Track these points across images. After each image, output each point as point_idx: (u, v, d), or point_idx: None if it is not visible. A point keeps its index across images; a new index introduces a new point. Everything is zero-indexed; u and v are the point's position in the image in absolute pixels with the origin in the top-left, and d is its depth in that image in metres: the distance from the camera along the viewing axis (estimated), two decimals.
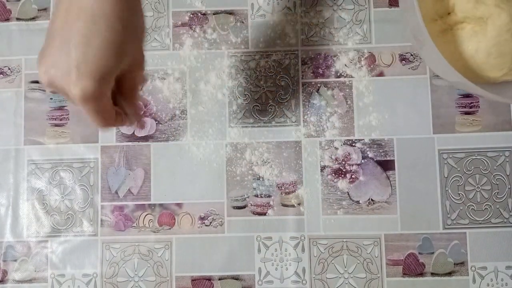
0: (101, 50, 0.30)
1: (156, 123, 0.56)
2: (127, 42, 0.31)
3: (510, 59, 0.49)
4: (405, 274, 0.54)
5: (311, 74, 0.56)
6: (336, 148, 0.55)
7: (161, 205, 0.56)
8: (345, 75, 0.56)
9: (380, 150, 0.55)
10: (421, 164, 0.55)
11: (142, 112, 0.53)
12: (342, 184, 0.55)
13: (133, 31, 0.32)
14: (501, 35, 0.48)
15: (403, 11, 0.53)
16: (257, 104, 0.56)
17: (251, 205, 0.55)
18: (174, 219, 0.55)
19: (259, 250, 0.55)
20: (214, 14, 0.57)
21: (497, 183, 0.54)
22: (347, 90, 0.56)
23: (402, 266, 0.54)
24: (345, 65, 0.56)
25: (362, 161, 0.55)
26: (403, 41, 0.56)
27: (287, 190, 0.55)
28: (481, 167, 0.55)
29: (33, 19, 0.58)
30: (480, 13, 0.48)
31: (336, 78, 0.56)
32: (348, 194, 0.55)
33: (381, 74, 0.56)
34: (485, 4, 0.48)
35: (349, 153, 0.55)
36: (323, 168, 0.55)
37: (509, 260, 0.53)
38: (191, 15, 0.58)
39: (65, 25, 0.30)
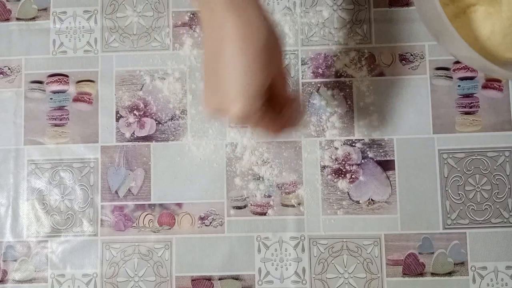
0: (254, 79, 0.34)
1: (156, 123, 0.56)
2: (271, 65, 0.35)
3: None
4: (405, 274, 0.54)
5: (311, 74, 0.56)
6: (336, 148, 0.55)
7: (161, 205, 0.56)
8: (345, 75, 0.56)
9: (380, 150, 0.55)
10: (421, 164, 0.55)
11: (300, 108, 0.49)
12: (342, 184, 0.55)
13: (274, 54, 0.36)
14: None
15: (417, 8, 0.52)
16: None
17: (251, 205, 0.55)
18: (174, 219, 0.55)
19: (259, 250, 0.55)
20: None
21: (497, 183, 0.54)
22: (347, 90, 0.56)
23: (402, 266, 0.54)
24: (345, 65, 0.56)
25: (362, 161, 0.55)
26: (403, 41, 0.56)
27: (287, 190, 0.55)
28: (481, 167, 0.55)
29: (33, 19, 0.58)
30: None
31: (336, 78, 0.56)
32: (348, 194, 0.55)
33: (381, 74, 0.56)
34: None
35: (349, 153, 0.55)
36: (323, 168, 0.55)
37: (509, 260, 0.53)
38: (191, 15, 0.58)
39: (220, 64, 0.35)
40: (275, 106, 0.39)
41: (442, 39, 0.50)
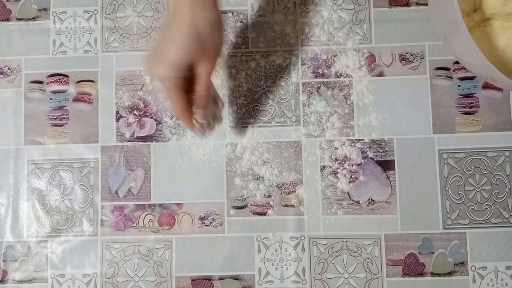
0: (179, 52, 0.42)
1: (156, 123, 0.56)
2: (198, 50, 0.42)
3: None
4: (405, 274, 0.54)
5: (311, 74, 0.56)
6: (336, 148, 0.55)
7: (161, 205, 0.56)
8: (345, 75, 0.56)
9: (380, 150, 0.55)
10: (421, 164, 0.55)
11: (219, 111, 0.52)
12: (342, 184, 0.55)
13: (205, 45, 0.42)
14: None
15: (432, 6, 0.52)
16: (257, 104, 0.56)
17: (251, 205, 0.55)
18: (174, 219, 0.55)
19: (259, 250, 0.55)
20: None
21: (497, 183, 0.54)
22: (347, 90, 0.56)
23: (402, 266, 0.54)
24: (345, 65, 0.56)
25: (362, 161, 0.55)
26: (403, 41, 0.56)
27: (287, 190, 0.55)
28: (481, 167, 0.55)
29: (33, 19, 0.58)
30: (509, 9, 0.49)
31: (336, 78, 0.56)
32: (348, 194, 0.55)
33: (381, 74, 0.56)
34: None
35: (349, 153, 0.55)
36: (323, 168, 0.55)
37: (509, 260, 0.53)
38: None
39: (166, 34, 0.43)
40: (190, 89, 0.45)
41: (454, 44, 0.50)
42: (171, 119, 0.56)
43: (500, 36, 0.50)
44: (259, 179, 0.55)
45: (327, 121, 0.56)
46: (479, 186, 0.54)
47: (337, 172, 0.55)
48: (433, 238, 0.54)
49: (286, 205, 0.55)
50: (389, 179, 0.55)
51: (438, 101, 0.55)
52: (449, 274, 0.53)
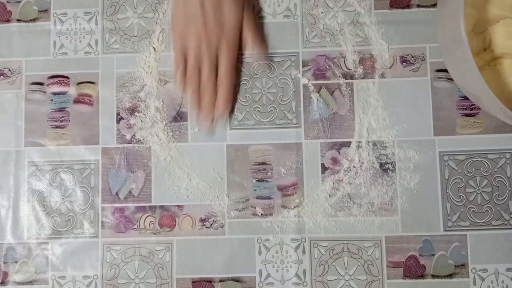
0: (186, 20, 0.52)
1: (157, 124, 0.56)
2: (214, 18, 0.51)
3: None
4: (405, 276, 0.54)
5: (312, 76, 0.56)
6: (337, 150, 0.55)
7: (161, 207, 0.56)
8: (346, 77, 0.56)
9: (381, 152, 0.55)
10: (422, 166, 0.55)
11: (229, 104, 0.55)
12: (343, 186, 0.55)
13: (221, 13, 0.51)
14: None
15: (443, 48, 0.53)
16: (258, 106, 0.56)
17: (252, 207, 0.55)
18: (175, 221, 0.55)
19: (259, 252, 0.55)
20: None
21: (498, 185, 0.54)
22: (348, 92, 0.56)
23: (402, 268, 0.54)
24: (346, 67, 0.56)
25: (363, 163, 0.55)
26: (404, 43, 0.56)
27: (287, 192, 0.55)
28: (481, 169, 0.55)
29: (33, 20, 0.58)
30: None
31: (337, 80, 0.56)
32: (349, 196, 0.55)
33: (382, 76, 0.56)
34: None
35: (350, 155, 0.55)
36: (323, 169, 0.55)
37: (509, 262, 0.53)
38: None
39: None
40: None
41: (465, 82, 0.51)
42: (171, 120, 0.56)
43: (511, 74, 0.49)
44: (260, 181, 0.55)
45: (327, 122, 0.56)
46: (479, 188, 0.54)
47: (338, 174, 0.55)
48: (434, 240, 0.54)
49: (287, 207, 0.55)
50: (389, 181, 0.55)
51: (439, 103, 0.55)
52: (450, 276, 0.53)
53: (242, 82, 0.57)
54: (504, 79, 0.50)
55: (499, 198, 0.54)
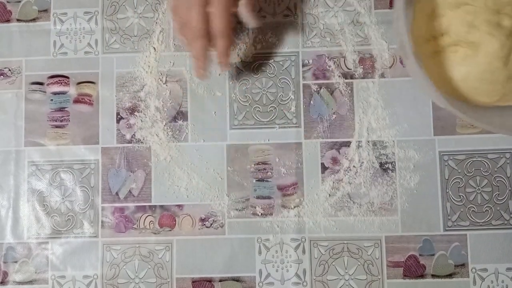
0: None
1: (157, 124, 0.56)
2: None
3: (501, 87, 0.48)
4: (405, 276, 0.54)
5: (312, 76, 0.56)
6: (337, 150, 0.55)
7: (161, 206, 0.56)
8: (345, 76, 0.56)
9: (381, 152, 0.55)
10: (422, 166, 0.55)
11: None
12: (343, 185, 0.55)
13: None
14: (492, 63, 0.47)
15: (394, 29, 0.53)
16: (258, 106, 0.56)
17: (252, 207, 0.55)
18: (175, 220, 0.55)
19: (259, 252, 0.55)
20: None
21: (498, 185, 0.54)
22: (348, 92, 0.56)
23: (402, 268, 0.54)
24: (346, 66, 0.56)
25: (363, 162, 0.55)
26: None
27: (287, 192, 0.55)
28: (481, 169, 0.55)
29: (33, 20, 0.58)
30: (472, 38, 0.47)
31: (337, 79, 0.56)
32: (349, 196, 0.55)
33: (382, 76, 0.56)
34: (478, 30, 0.47)
35: (350, 155, 0.55)
36: (323, 169, 0.55)
37: (509, 262, 0.53)
38: None
39: None
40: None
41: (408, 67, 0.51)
42: (171, 120, 0.56)
43: (463, 63, 0.49)
44: (260, 180, 0.55)
45: (327, 122, 0.56)
46: (479, 188, 0.54)
47: (338, 174, 0.55)
48: (434, 240, 0.54)
49: (287, 207, 0.55)
50: (389, 180, 0.55)
51: None
52: (450, 276, 0.53)
53: (242, 82, 0.57)
54: (454, 68, 0.49)
55: (499, 198, 0.54)
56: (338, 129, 0.56)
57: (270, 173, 0.55)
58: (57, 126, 0.57)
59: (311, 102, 0.56)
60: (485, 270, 0.53)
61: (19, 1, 0.58)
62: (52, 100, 0.57)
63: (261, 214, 0.55)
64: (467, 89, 0.49)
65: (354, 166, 0.55)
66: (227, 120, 0.56)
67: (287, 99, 0.56)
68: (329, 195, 0.55)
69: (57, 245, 0.56)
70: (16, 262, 0.56)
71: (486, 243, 0.54)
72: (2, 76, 0.58)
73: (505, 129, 0.48)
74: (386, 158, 0.55)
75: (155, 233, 0.55)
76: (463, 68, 0.49)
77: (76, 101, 0.57)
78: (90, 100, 0.57)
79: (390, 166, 0.55)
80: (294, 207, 0.55)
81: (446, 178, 0.55)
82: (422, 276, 0.54)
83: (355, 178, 0.55)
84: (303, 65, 0.56)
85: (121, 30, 0.58)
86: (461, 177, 0.55)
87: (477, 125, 0.49)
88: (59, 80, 0.57)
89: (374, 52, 0.56)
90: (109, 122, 0.57)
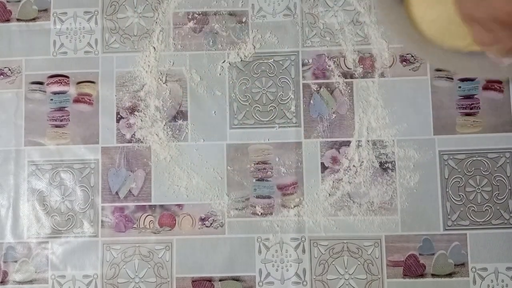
0: None
1: (157, 123, 0.56)
2: None
3: None
4: (405, 275, 0.54)
5: (312, 75, 0.56)
6: (337, 149, 0.55)
7: (161, 206, 0.56)
8: (345, 76, 0.56)
9: (381, 151, 0.55)
10: (422, 165, 0.55)
11: None
12: (343, 185, 0.55)
13: None
14: None
15: None
16: (258, 105, 0.56)
17: (252, 206, 0.55)
18: (175, 220, 0.55)
19: (259, 251, 0.55)
20: (214, 14, 0.57)
21: (498, 184, 0.54)
22: (348, 91, 0.56)
23: (402, 267, 0.54)
24: (346, 66, 0.56)
25: (363, 162, 0.55)
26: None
27: (287, 191, 0.55)
28: (481, 168, 0.55)
29: (33, 20, 0.58)
30: None
31: (337, 79, 0.56)
32: (349, 195, 0.55)
33: (381, 75, 0.56)
34: None
35: (349, 154, 0.55)
36: (323, 169, 0.55)
37: (509, 261, 0.53)
38: (192, 16, 0.58)
39: None
40: None
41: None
42: (171, 119, 0.56)
43: (434, 5, 0.47)
44: (260, 180, 0.55)
45: (327, 122, 0.56)
46: (479, 187, 0.54)
47: (338, 173, 0.55)
48: (434, 239, 0.54)
49: (287, 206, 0.55)
50: (389, 180, 0.55)
51: (439, 102, 0.55)
52: (450, 275, 0.53)
53: (242, 82, 0.57)
54: (425, 9, 0.48)
55: (499, 197, 0.54)
56: (338, 128, 0.56)
57: (270, 173, 0.55)
58: (57, 126, 0.57)
59: (311, 101, 0.56)
60: (485, 269, 0.53)
61: (19, 1, 0.58)
62: (52, 99, 0.57)
63: (261, 213, 0.55)
64: (438, 31, 0.48)
65: (354, 166, 0.55)
66: (227, 120, 0.56)
67: (287, 98, 0.56)
68: (329, 194, 0.55)
69: (57, 245, 0.56)
70: (16, 261, 0.56)
71: (486, 242, 0.54)
72: (2, 76, 0.58)
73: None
74: (386, 157, 0.55)
75: (155, 233, 0.55)
76: (435, 8, 0.47)
77: (76, 100, 0.57)
78: (90, 100, 0.57)
79: (390, 165, 0.55)
80: (294, 206, 0.55)
81: (446, 177, 0.55)
82: (422, 275, 0.54)
83: (355, 178, 0.55)
84: (303, 65, 0.56)
85: (121, 30, 0.58)
86: (461, 176, 0.55)
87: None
88: (59, 80, 0.57)
89: (374, 52, 0.56)
90: (109, 121, 0.57)
